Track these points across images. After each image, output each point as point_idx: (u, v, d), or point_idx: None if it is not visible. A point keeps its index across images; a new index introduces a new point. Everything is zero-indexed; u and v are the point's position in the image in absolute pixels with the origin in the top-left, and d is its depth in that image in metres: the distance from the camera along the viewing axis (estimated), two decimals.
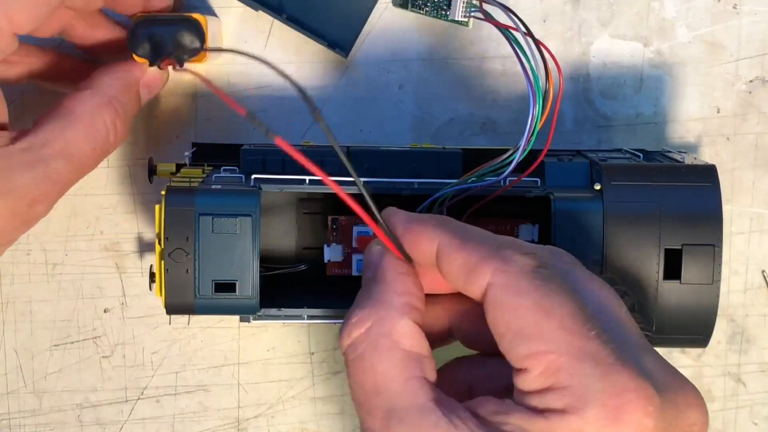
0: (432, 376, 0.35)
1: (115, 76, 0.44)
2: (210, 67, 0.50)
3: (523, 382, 0.33)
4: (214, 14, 0.49)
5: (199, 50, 0.45)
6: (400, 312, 0.35)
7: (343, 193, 0.34)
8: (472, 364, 0.40)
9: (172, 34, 0.44)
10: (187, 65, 0.44)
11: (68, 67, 0.47)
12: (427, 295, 0.38)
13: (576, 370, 0.32)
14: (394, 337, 0.35)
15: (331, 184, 0.34)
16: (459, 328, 0.39)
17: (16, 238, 0.42)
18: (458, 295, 0.37)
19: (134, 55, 0.45)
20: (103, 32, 0.46)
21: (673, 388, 0.33)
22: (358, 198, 0.35)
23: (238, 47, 0.49)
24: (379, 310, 0.35)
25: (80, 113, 0.41)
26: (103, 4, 0.44)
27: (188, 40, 0.45)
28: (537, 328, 0.32)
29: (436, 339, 0.40)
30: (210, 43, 0.46)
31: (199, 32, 0.45)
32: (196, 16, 0.45)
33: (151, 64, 0.44)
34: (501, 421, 0.33)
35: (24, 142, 0.40)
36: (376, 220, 0.35)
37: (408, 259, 0.37)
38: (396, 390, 0.34)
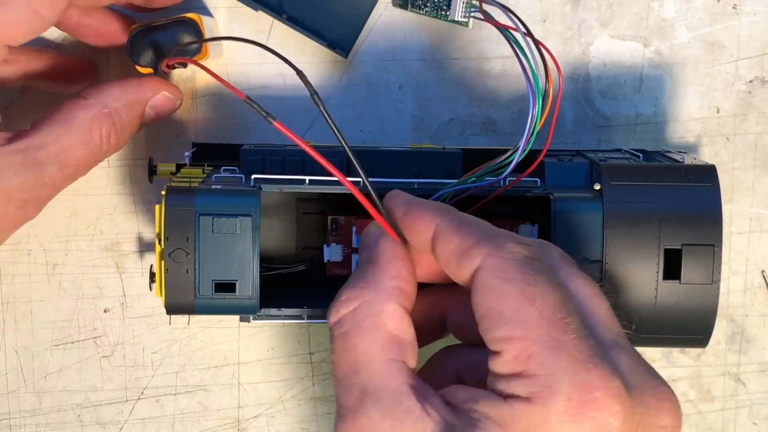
0: (412, 362, 0.36)
1: (123, 91, 0.44)
2: (210, 67, 0.50)
3: (496, 365, 0.33)
4: (209, 14, 0.49)
5: (200, 48, 0.45)
6: (389, 295, 0.36)
7: (340, 174, 0.35)
8: (459, 354, 0.40)
9: (171, 38, 0.44)
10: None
11: (65, 67, 0.47)
12: (423, 286, 0.39)
13: (547, 360, 0.32)
14: (380, 318, 0.35)
15: (328, 165, 0.35)
16: (451, 319, 0.40)
17: (4, 240, 0.42)
18: (452, 287, 0.37)
19: (137, 67, 0.45)
20: (99, 19, 0.46)
21: (647, 389, 0.33)
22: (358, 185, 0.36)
23: (237, 49, 0.49)
24: (369, 291, 0.36)
25: (79, 121, 0.42)
26: None
27: (187, 40, 0.45)
28: (517, 314, 0.33)
29: (432, 330, 0.40)
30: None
31: (197, 31, 0.45)
32: (191, 15, 0.45)
33: (155, 72, 0.45)
34: (470, 408, 0.33)
35: (20, 144, 0.40)
36: (373, 203, 0.36)
37: (404, 240, 0.37)
38: (375, 370, 0.34)
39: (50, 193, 0.41)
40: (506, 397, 0.32)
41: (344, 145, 0.36)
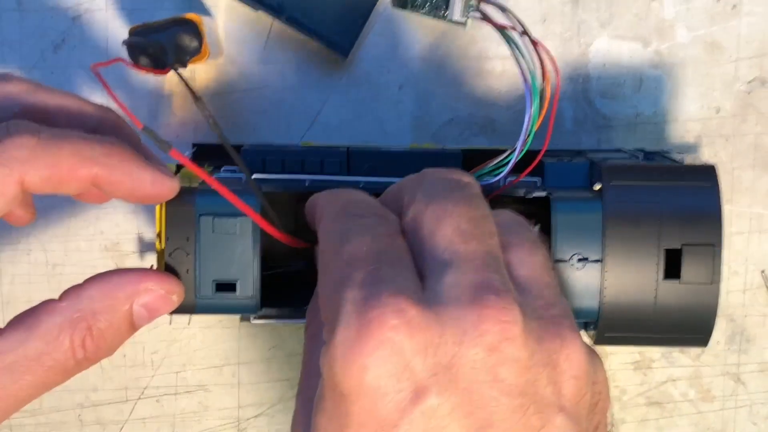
0: None
1: (101, 291, 0.38)
2: (210, 67, 0.50)
3: None
4: (209, 14, 0.49)
5: (199, 49, 0.45)
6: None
7: (239, 202, 0.37)
8: None
9: (170, 38, 0.44)
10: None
11: None
12: None
13: (331, 302, 0.32)
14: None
15: (224, 191, 0.37)
16: None
17: None
18: None
19: (136, 67, 0.45)
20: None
21: (465, 301, 0.31)
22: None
23: (237, 49, 0.49)
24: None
25: (46, 326, 0.36)
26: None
27: (187, 40, 0.45)
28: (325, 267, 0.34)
29: None
30: (208, 41, 0.46)
31: (196, 31, 0.45)
32: (191, 15, 0.45)
33: (155, 73, 0.45)
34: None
35: None
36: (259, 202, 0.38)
37: (288, 238, 0.39)
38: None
39: (13, 404, 0.37)
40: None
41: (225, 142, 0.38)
